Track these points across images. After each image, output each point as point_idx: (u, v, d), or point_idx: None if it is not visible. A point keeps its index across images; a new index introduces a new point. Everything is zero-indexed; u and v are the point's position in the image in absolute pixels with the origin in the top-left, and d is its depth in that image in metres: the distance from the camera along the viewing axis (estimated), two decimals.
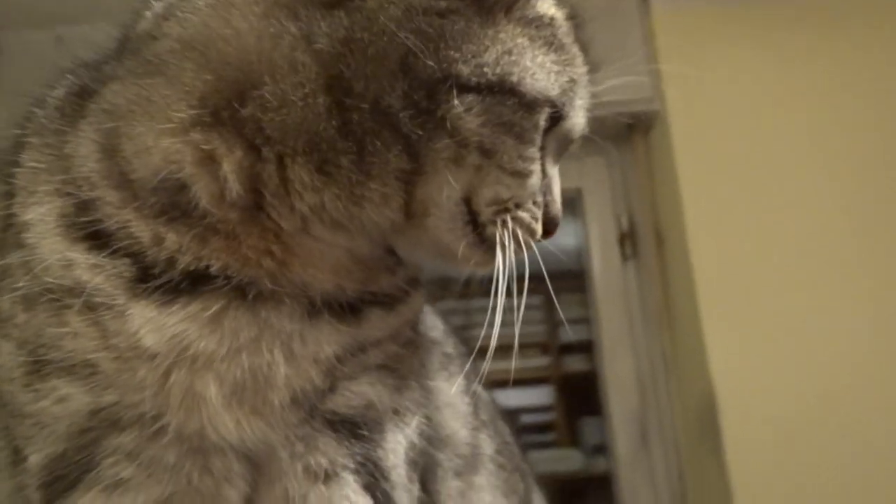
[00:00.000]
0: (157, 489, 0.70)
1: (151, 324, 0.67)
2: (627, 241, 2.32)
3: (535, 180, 0.72)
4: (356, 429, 0.75)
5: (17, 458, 0.76)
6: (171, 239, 0.69)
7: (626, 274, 2.31)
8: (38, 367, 0.71)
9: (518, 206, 0.71)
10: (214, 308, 0.68)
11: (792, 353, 1.95)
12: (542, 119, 0.70)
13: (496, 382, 1.05)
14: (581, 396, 3.20)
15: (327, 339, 0.71)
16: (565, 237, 2.33)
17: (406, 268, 0.78)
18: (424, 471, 0.82)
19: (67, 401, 0.70)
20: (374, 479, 0.75)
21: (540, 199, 0.74)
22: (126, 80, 0.72)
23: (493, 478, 0.98)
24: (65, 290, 0.70)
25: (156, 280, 0.68)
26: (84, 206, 0.71)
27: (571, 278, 2.45)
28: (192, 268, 0.68)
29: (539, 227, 0.74)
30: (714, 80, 2.11)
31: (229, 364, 0.68)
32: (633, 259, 2.31)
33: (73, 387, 0.70)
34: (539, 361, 3.63)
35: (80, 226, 0.70)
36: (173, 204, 0.68)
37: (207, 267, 0.68)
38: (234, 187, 0.67)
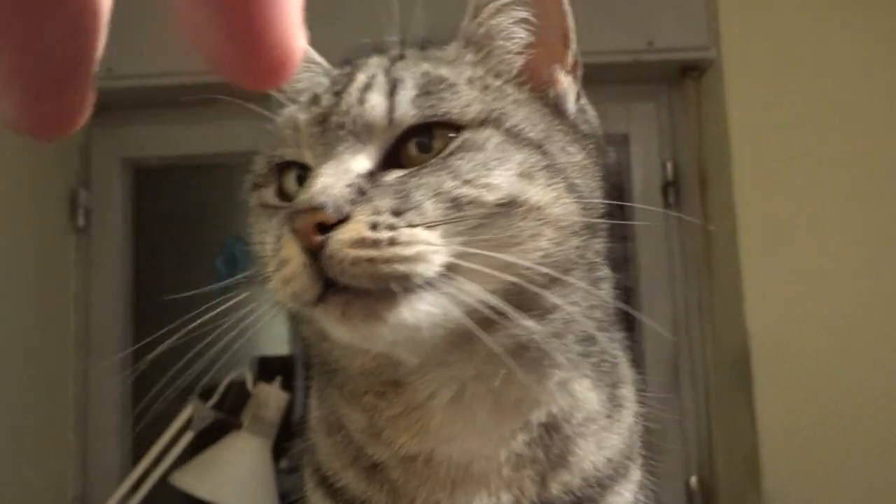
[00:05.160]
0: None
1: None
2: (671, 188, 2.32)
3: None
4: None
5: None
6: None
7: (667, 221, 2.32)
8: None
9: None
10: None
11: (830, 306, 1.95)
12: None
13: None
14: None
15: None
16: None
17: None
18: None
19: None
20: None
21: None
22: None
23: None
24: None
25: None
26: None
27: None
28: None
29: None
30: (772, 30, 2.08)
31: None
32: (676, 207, 2.31)
33: None
34: None
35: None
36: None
37: None
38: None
